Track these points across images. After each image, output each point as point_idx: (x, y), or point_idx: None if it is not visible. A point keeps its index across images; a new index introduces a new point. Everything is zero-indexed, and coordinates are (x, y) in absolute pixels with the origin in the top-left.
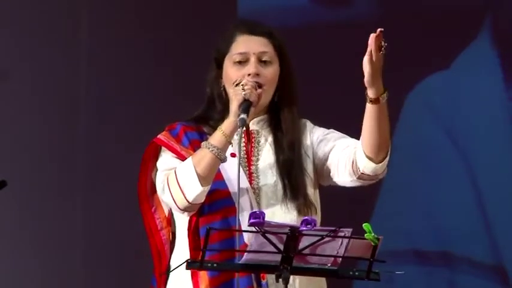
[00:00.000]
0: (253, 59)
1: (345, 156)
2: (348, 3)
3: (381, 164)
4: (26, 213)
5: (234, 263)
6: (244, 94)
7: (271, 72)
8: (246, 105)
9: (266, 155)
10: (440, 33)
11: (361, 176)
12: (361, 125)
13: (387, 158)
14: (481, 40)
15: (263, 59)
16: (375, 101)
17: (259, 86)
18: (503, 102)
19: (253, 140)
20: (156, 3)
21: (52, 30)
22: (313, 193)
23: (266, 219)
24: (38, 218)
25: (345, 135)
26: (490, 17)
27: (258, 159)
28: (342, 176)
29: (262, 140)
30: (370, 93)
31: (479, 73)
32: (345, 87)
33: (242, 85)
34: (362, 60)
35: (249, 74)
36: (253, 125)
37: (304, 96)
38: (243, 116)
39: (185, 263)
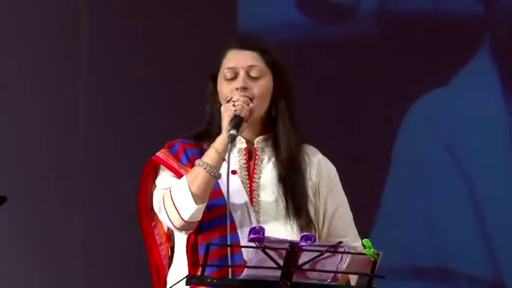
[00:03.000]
0: (242, 74)
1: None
2: (348, 20)
3: None
4: (25, 225)
5: (233, 279)
6: (235, 110)
7: (260, 86)
8: (236, 121)
9: (268, 173)
10: (440, 50)
11: None
12: (358, 140)
13: None
14: (481, 56)
15: (251, 74)
16: None
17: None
18: (502, 117)
19: (256, 157)
20: (156, 16)
21: (52, 31)
22: (313, 215)
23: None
24: (37, 229)
25: (350, 219)
26: (489, 33)
27: (260, 177)
28: None
29: (265, 158)
30: None
31: (478, 89)
32: (344, 103)
33: (233, 101)
34: (362, 75)
35: (237, 88)
36: (257, 143)
37: (303, 111)
38: (232, 131)
39: (185, 279)
